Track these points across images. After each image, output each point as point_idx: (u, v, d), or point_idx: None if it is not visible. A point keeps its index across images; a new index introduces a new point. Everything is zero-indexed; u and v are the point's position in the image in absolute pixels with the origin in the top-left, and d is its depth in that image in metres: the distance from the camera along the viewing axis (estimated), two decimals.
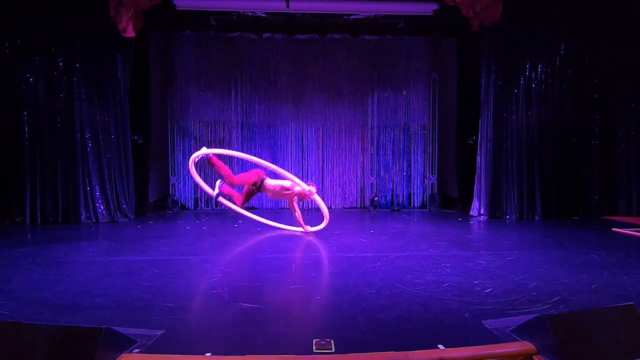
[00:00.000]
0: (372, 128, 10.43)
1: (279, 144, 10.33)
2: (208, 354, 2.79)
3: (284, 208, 10.22)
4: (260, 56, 10.15)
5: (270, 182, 6.90)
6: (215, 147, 10.18)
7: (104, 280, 4.48)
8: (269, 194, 7.08)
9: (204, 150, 6.93)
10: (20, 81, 7.84)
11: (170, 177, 10.13)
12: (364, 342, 3.08)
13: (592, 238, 6.78)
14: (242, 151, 10.21)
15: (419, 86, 10.41)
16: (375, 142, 10.43)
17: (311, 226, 7.12)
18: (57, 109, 7.96)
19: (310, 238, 6.75)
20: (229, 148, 10.21)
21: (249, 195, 7.05)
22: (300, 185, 6.74)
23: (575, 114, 8.83)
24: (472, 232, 7.70)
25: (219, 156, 7.21)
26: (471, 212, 8.99)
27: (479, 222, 8.49)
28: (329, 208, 10.33)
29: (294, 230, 7.23)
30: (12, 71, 7.82)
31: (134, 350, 2.82)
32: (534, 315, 3.09)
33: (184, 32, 9.87)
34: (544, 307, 3.66)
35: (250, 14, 9.03)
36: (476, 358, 2.77)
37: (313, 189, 6.79)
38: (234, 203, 7.17)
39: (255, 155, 10.20)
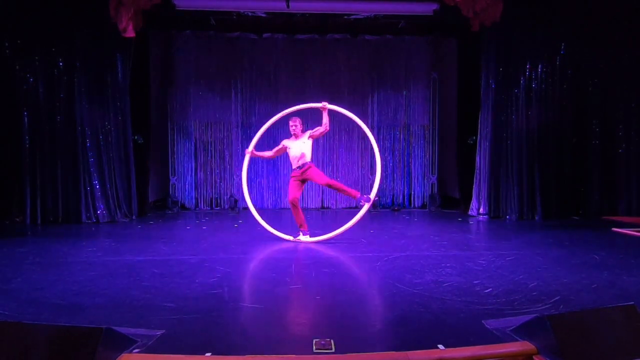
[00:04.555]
0: (372, 128, 10.41)
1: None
2: (208, 354, 2.78)
3: (284, 208, 10.24)
4: (260, 56, 10.15)
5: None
6: (215, 147, 10.22)
7: (104, 280, 4.48)
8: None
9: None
10: (20, 81, 7.84)
11: (170, 177, 10.13)
12: (364, 342, 3.08)
13: (592, 238, 6.77)
14: (241, 152, 10.23)
15: (419, 86, 10.41)
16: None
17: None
18: (57, 108, 7.97)
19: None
20: (229, 148, 10.23)
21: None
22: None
23: (575, 114, 8.83)
24: (472, 232, 7.70)
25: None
26: (471, 212, 8.99)
27: (479, 222, 8.49)
28: (329, 208, 10.37)
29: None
30: (12, 71, 7.82)
31: (134, 350, 2.82)
32: (534, 315, 3.08)
33: (184, 32, 9.88)
34: (544, 307, 3.65)
35: (250, 14, 9.03)
36: (476, 358, 2.76)
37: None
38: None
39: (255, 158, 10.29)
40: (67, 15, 7.86)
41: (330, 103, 10.49)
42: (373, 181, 10.45)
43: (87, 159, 8.08)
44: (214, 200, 10.22)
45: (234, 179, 10.19)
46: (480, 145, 8.88)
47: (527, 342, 2.84)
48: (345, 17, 9.21)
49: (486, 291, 4.10)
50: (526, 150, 8.60)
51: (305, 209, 10.16)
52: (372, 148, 10.54)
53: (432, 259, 5.34)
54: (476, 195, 8.96)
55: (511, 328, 3.10)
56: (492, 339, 3.02)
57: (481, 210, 8.83)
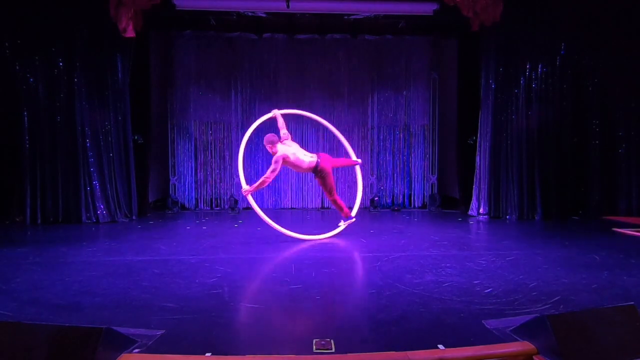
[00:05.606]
0: (372, 128, 10.43)
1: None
2: (208, 354, 2.79)
3: (284, 208, 10.24)
4: (260, 56, 10.13)
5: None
6: (215, 147, 10.22)
7: (104, 280, 4.48)
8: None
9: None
10: (20, 81, 7.83)
11: (171, 177, 10.12)
12: (364, 342, 3.08)
13: (592, 238, 6.77)
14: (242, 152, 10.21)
15: (419, 86, 10.40)
16: (375, 142, 10.42)
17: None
18: (57, 109, 7.95)
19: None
20: (229, 148, 10.23)
21: None
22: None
23: (575, 114, 8.82)
24: (472, 232, 7.71)
25: None
26: (471, 212, 8.99)
27: (479, 222, 8.49)
28: (328, 208, 10.36)
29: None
30: (12, 71, 7.81)
31: (134, 350, 2.83)
32: (534, 315, 3.09)
33: (184, 32, 9.86)
34: (544, 307, 3.66)
35: (250, 14, 9.03)
36: (476, 358, 2.77)
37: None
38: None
39: (252, 156, 10.30)
40: (67, 15, 7.85)
41: (330, 103, 10.47)
42: (372, 181, 10.52)
43: (87, 159, 8.07)
44: (214, 200, 10.22)
45: (233, 179, 10.18)
46: (480, 145, 8.88)
47: (527, 342, 2.85)
48: (345, 17, 9.21)
49: (486, 291, 4.10)
50: (526, 150, 8.59)
51: (304, 209, 10.18)
52: (372, 149, 10.66)
53: (432, 259, 5.34)
54: (476, 195, 8.96)
55: (511, 328, 3.10)
56: (492, 339, 3.02)
57: (481, 210, 8.82)
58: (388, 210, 10.25)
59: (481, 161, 8.85)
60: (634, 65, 8.51)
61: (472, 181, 9.04)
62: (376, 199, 10.23)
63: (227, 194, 10.21)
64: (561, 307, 3.65)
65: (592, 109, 8.85)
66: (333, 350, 2.87)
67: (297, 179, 10.31)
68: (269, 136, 6.42)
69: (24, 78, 7.85)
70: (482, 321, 3.33)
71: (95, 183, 8.12)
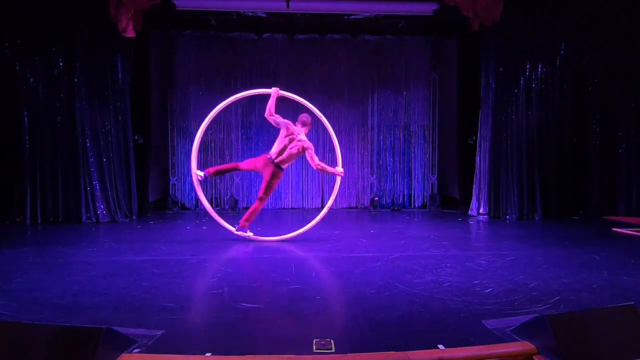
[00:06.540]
0: (372, 128, 10.43)
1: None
2: (208, 354, 2.78)
3: (284, 208, 10.24)
4: (260, 56, 10.13)
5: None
6: (215, 147, 10.21)
7: (104, 280, 4.48)
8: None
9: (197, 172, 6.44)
10: (20, 81, 7.83)
11: (171, 177, 10.12)
12: (364, 342, 3.08)
13: (592, 238, 6.77)
14: (241, 152, 10.23)
15: (419, 86, 10.40)
16: (375, 142, 10.42)
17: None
18: (57, 109, 7.95)
19: (311, 238, 6.74)
20: (229, 148, 10.23)
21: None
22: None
23: (575, 114, 8.83)
24: (472, 232, 7.71)
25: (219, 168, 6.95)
26: (471, 212, 8.99)
27: (479, 222, 8.49)
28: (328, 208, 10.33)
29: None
30: (12, 71, 7.81)
31: (134, 350, 2.82)
32: (534, 315, 3.09)
33: (184, 32, 9.87)
34: (544, 307, 3.66)
35: (250, 14, 9.04)
36: (476, 358, 2.77)
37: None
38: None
39: (254, 156, 10.28)
40: (67, 15, 7.85)
41: (330, 103, 10.38)
42: (372, 181, 10.50)
43: (87, 159, 8.07)
44: (214, 200, 10.21)
45: (234, 179, 10.19)
46: (480, 145, 8.88)
47: (527, 342, 2.84)
48: (345, 17, 9.22)
49: (486, 291, 4.10)
50: (526, 150, 8.60)
51: (304, 209, 10.16)
52: (372, 149, 10.65)
53: (432, 259, 5.34)
54: (476, 195, 8.96)
55: (511, 328, 3.10)
56: (492, 339, 3.02)
57: (481, 210, 8.83)
58: (388, 210, 10.25)
59: (481, 161, 8.86)
60: (634, 65, 8.52)
61: (472, 181, 9.04)
62: (376, 199, 10.23)
63: (227, 194, 10.21)
64: (561, 307, 3.65)
65: (592, 109, 8.85)
66: (333, 350, 2.87)
67: (298, 179, 10.31)
68: (307, 117, 6.45)
69: (24, 78, 7.85)
70: (482, 321, 3.32)
71: (95, 183, 8.12)
